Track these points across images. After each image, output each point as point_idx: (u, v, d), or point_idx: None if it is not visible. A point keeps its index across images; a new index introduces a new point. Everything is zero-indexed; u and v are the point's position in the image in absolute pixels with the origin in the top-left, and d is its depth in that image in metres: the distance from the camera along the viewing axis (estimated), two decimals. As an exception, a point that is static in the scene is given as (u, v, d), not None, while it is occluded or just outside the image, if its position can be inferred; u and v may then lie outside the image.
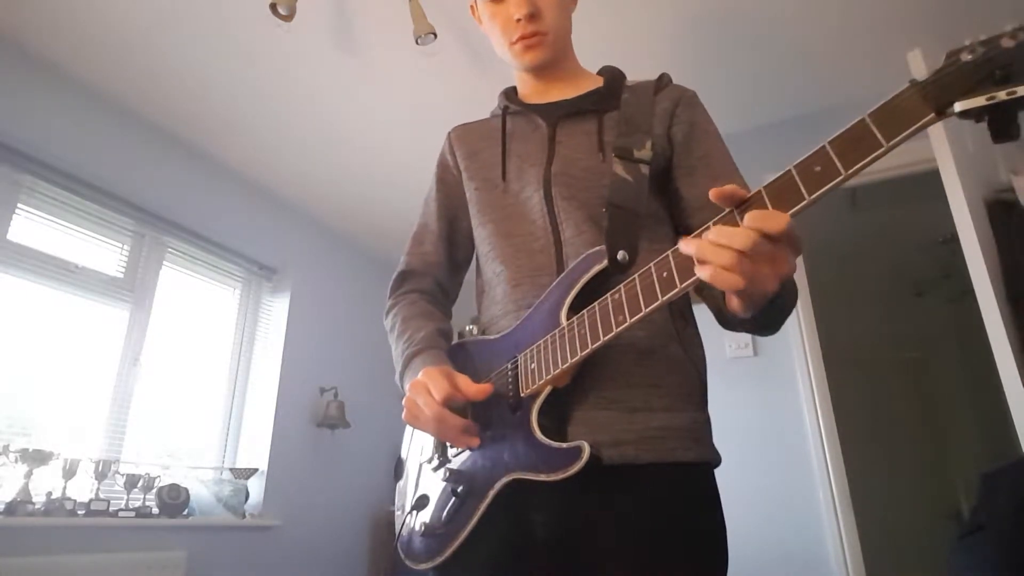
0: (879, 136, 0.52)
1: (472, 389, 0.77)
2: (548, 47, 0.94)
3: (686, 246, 0.59)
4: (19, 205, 2.31)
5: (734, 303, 0.63)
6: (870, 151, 0.52)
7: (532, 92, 1.01)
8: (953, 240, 1.72)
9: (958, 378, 4.20)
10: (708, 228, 0.60)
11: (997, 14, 2.08)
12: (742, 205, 0.59)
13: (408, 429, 0.98)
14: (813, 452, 2.25)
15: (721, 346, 2.50)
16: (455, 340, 0.95)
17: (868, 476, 3.24)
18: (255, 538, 2.79)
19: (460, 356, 0.89)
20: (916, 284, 4.09)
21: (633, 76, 1.01)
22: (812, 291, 2.46)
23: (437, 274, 1.03)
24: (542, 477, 0.69)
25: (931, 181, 1.84)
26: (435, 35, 2.06)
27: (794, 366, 2.38)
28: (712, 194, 0.59)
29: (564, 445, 0.69)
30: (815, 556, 2.15)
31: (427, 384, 0.77)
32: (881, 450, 4.06)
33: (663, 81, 0.95)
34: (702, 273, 0.57)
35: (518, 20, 0.92)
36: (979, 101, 0.48)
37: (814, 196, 0.55)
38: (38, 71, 2.33)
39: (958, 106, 0.49)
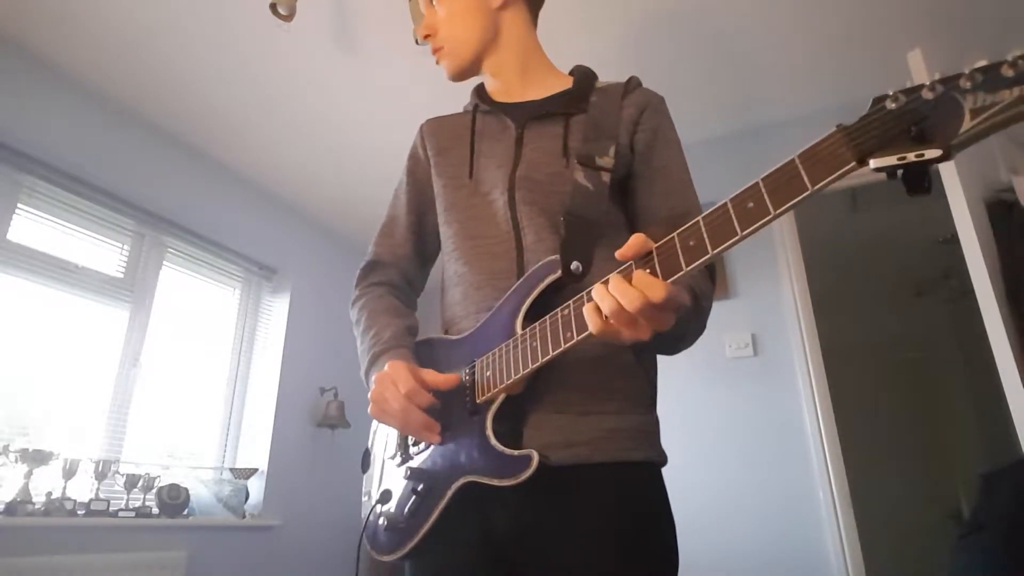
0: (806, 179, 0.53)
1: (432, 378, 0.80)
2: (448, 57, 1.00)
3: (595, 291, 0.65)
4: (19, 205, 2.31)
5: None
6: (797, 193, 0.53)
7: (498, 91, 1.01)
8: (953, 240, 1.72)
9: (958, 378, 4.20)
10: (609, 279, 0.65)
11: (996, 14, 2.09)
12: (647, 256, 0.63)
13: (374, 421, 0.99)
14: (813, 452, 2.25)
15: (721, 346, 2.50)
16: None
17: (868, 476, 3.24)
18: (255, 538, 2.79)
19: (425, 353, 0.91)
20: (916, 284, 4.09)
21: (614, 77, 1.00)
22: (812, 291, 2.46)
23: (404, 267, 1.03)
24: (494, 482, 0.72)
25: (931, 181, 1.85)
26: (435, 35, 2.06)
27: (794, 366, 2.38)
28: (618, 256, 0.64)
29: (516, 453, 0.72)
30: (815, 556, 2.15)
31: (393, 377, 0.79)
32: (881, 450, 4.06)
33: (631, 84, 0.95)
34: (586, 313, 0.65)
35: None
36: (891, 160, 0.48)
37: (746, 233, 0.56)
38: (38, 71, 2.33)
39: (873, 163, 0.49)
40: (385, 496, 0.87)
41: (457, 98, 2.93)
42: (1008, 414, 1.49)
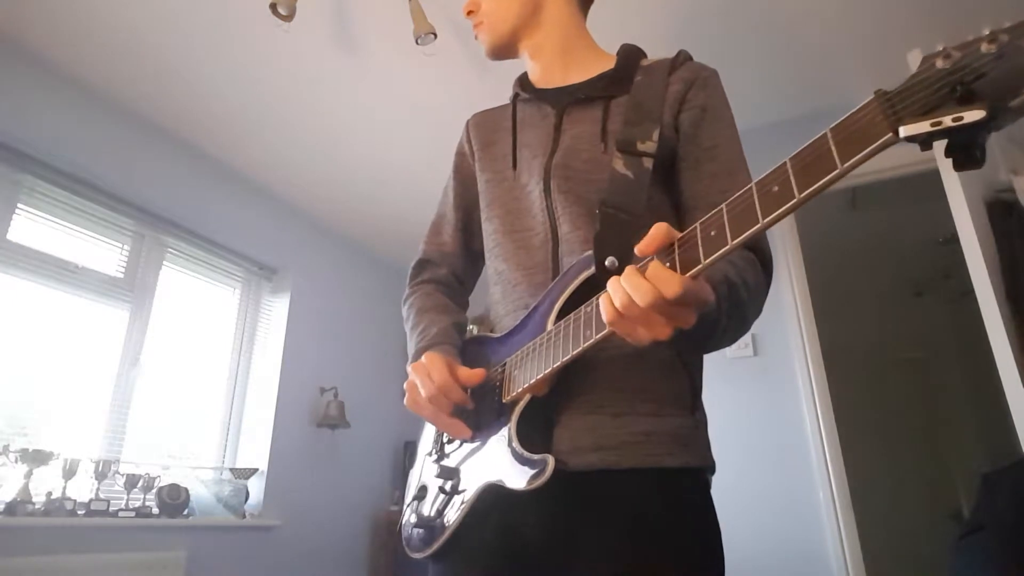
0: (836, 156, 0.45)
1: (464, 374, 0.78)
2: (486, 32, 0.98)
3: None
4: (19, 205, 2.31)
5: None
6: (825, 173, 0.46)
7: (540, 77, 0.98)
8: (953, 240, 1.72)
9: (958, 378, 4.20)
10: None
11: (999, 12, 2.08)
12: (669, 249, 0.58)
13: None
14: (813, 452, 2.25)
15: (721, 346, 2.50)
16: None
17: (868, 476, 3.24)
18: (255, 538, 2.79)
19: (473, 350, 0.89)
20: (916, 284, 4.09)
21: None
22: (812, 291, 2.46)
23: (453, 264, 1.03)
24: (513, 486, 0.70)
25: (931, 181, 1.85)
26: (435, 35, 2.06)
27: (794, 366, 2.38)
28: (636, 250, 0.60)
29: (535, 456, 0.69)
30: (815, 556, 2.15)
31: (427, 368, 0.78)
32: (881, 450, 4.05)
33: (679, 59, 0.88)
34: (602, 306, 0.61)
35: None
36: (924, 127, 0.40)
37: (768, 221, 0.50)
38: (38, 71, 2.33)
39: (903, 131, 0.41)
40: (421, 492, 0.87)
41: (460, 98, 2.91)
42: (1008, 414, 1.49)
